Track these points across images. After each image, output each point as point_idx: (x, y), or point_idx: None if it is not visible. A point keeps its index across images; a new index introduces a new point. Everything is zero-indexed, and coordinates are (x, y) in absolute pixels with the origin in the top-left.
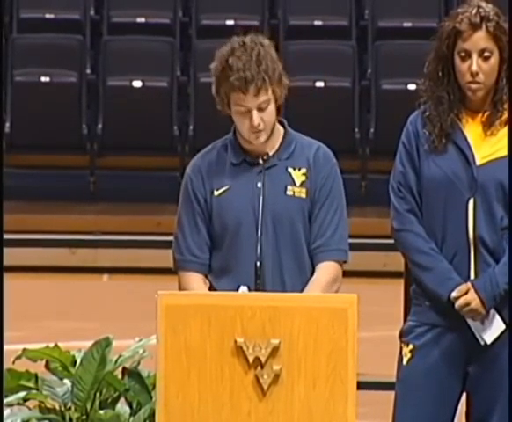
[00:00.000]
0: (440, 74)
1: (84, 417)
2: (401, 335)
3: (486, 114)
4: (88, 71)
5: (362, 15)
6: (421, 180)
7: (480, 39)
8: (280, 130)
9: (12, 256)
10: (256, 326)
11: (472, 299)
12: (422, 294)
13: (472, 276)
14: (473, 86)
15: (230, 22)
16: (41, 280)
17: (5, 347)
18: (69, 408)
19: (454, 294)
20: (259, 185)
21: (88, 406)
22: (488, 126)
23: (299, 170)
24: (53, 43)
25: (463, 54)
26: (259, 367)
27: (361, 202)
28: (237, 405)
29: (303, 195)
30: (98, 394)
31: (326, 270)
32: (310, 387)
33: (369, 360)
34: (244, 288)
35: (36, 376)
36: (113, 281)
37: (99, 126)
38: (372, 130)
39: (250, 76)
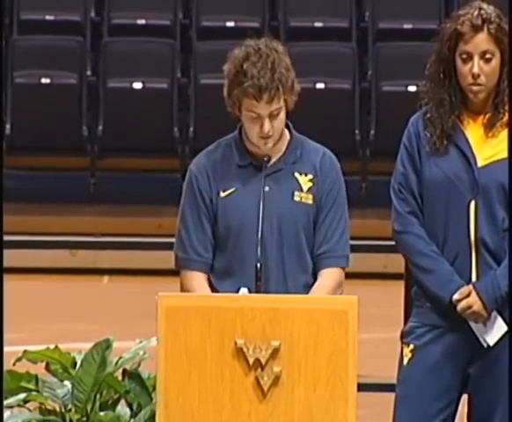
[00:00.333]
0: (441, 76)
1: (84, 418)
2: (402, 336)
3: (487, 116)
4: (88, 73)
5: (362, 17)
6: (423, 182)
7: (482, 41)
8: (286, 134)
9: (12, 257)
10: (256, 328)
11: (474, 301)
12: (423, 295)
13: (474, 278)
14: (475, 88)
15: (230, 24)
16: (42, 281)
17: (6, 349)
18: (70, 410)
19: (456, 296)
20: (267, 189)
21: (88, 408)
22: (489, 127)
23: (306, 175)
24: (53, 45)
25: (464, 56)
26: (259, 369)
27: (361, 204)
28: (237, 407)
29: (310, 201)
30: (98, 395)
31: (331, 275)
32: (311, 389)
33: (369, 361)
34: (244, 290)
35: (36, 378)
36: (113, 283)
37: (100, 127)
38: (372, 132)
39: (264, 84)
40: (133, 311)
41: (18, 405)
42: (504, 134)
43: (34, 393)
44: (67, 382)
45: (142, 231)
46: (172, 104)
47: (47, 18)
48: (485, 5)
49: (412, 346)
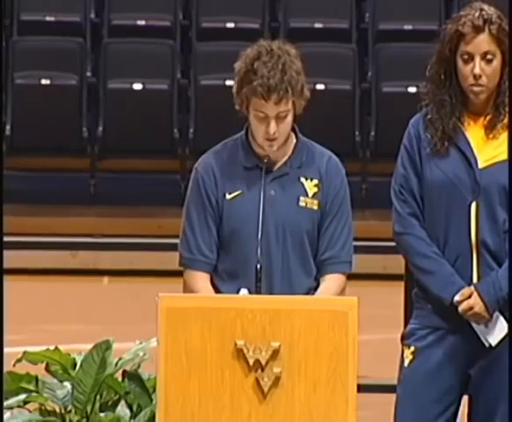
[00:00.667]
0: (442, 77)
1: (84, 419)
2: (403, 338)
3: (488, 117)
4: (88, 74)
5: (362, 17)
6: (423, 183)
7: (483, 41)
8: (292, 137)
9: (13, 258)
10: (256, 329)
11: (476, 303)
12: (424, 297)
13: (475, 279)
14: (476, 89)
15: (230, 25)
16: (42, 282)
17: (6, 350)
18: (70, 411)
19: (457, 297)
20: (272, 193)
21: (88, 409)
22: (490, 129)
23: (311, 180)
24: (53, 46)
25: (465, 56)
26: (259, 370)
27: (361, 205)
28: (237, 408)
29: (315, 207)
30: (98, 397)
31: (334, 281)
32: (311, 390)
33: (369, 362)
34: (244, 291)
35: (36, 379)
36: (113, 284)
37: (100, 128)
38: (373, 133)
39: (273, 84)
40: (133, 312)
41: (18, 406)
42: (505, 135)
43: (34, 394)
44: (67, 383)
45: (143, 232)
46: (172, 105)
47: (48, 18)
48: (486, 6)
49: (413, 348)
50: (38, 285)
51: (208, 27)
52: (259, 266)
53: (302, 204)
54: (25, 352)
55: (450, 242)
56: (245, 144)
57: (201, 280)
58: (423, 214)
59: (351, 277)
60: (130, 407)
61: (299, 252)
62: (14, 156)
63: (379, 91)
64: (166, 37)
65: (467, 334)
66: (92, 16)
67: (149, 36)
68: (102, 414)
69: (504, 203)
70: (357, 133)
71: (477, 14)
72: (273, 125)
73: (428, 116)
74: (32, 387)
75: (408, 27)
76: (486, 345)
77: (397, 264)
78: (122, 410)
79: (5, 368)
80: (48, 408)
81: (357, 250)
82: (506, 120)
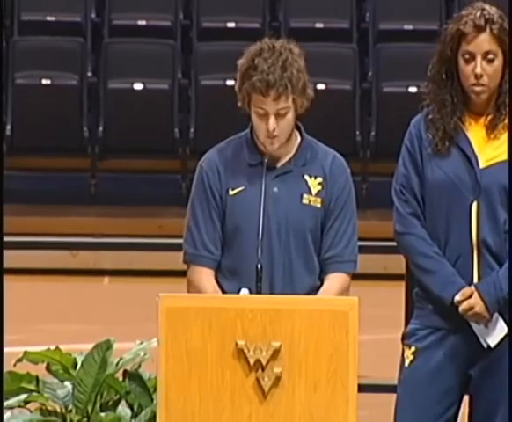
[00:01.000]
0: (443, 76)
1: (84, 419)
2: (403, 338)
3: (489, 117)
4: (89, 74)
5: (363, 17)
6: (425, 183)
7: (484, 41)
8: (297, 136)
9: (13, 258)
10: (257, 329)
11: (476, 303)
12: (425, 297)
13: (476, 279)
14: (477, 89)
15: (231, 24)
16: (42, 282)
17: (6, 350)
18: (70, 410)
19: (457, 297)
20: (275, 190)
21: (89, 409)
22: (491, 129)
23: (315, 178)
24: (54, 45)
25: (467, 56)
26: (260, 370)
27: (362, 205)
28: (237, 408)
29: (319, 205)
30: (99, 396)
31: (337, 280)
32: (311, 389)
33: (369, 362)
34: (245, 291)
35: (37, 379)
36: (113, 284)
37: (100, 128)
38: (373, 133)
39: (273, 80)
40: (133, 312)
41: (19, 406)
42: (506, 135)
43: (35, 394)
44: (67, 383)
45: (143, 232)
46: (173, 105)
47: (48, 18)
48: (487, 6)
49: (413, 348)
50: (38, 285)
51: (208, 27)
52: (259, 266)
53: (305, 201)
54: (25, 352)
55: (451, 242)
56: (249, 142)
57: (206, 276)
58: (424, 213)
59: (352, 277)
60: (131, 407)
61: (302, 250)
62: (14, 156)
63: (380, 91)
64: (167, 37)
65: (468, 334)
66: (93, 16)
67: (149, 36)
68: (103, 414)
69: (505, 203)
70: (358, 133)
71: (478, 14)
72: (272, 121)
73: (430, 116)
74: (32, 387)
75: (409, 27)
76: (485, 345)
77: (397, 264)
78: (123, 409)
79: (5, 368)
80: (49, 408)
81: (358, 249)
82: (507, 120)
